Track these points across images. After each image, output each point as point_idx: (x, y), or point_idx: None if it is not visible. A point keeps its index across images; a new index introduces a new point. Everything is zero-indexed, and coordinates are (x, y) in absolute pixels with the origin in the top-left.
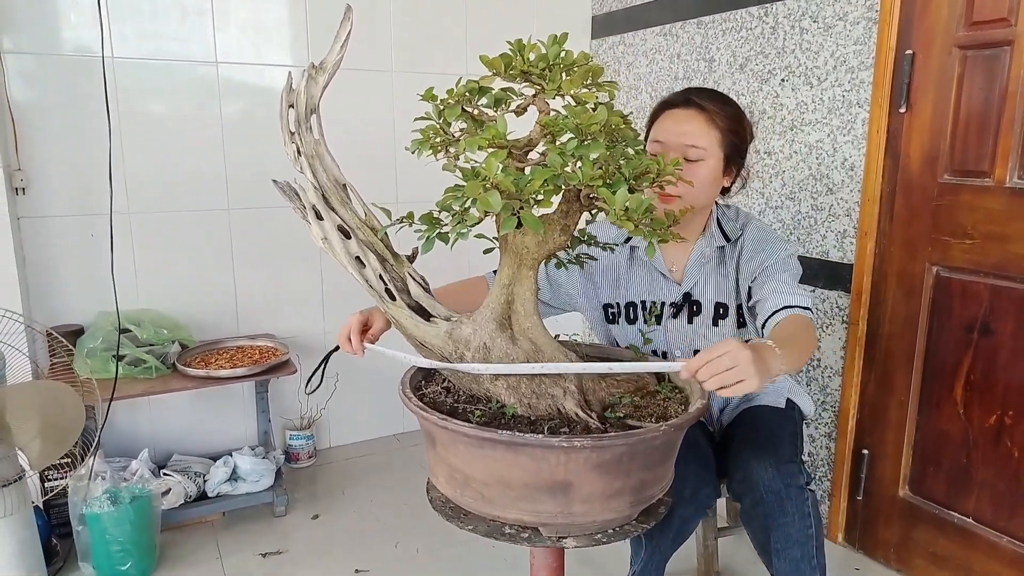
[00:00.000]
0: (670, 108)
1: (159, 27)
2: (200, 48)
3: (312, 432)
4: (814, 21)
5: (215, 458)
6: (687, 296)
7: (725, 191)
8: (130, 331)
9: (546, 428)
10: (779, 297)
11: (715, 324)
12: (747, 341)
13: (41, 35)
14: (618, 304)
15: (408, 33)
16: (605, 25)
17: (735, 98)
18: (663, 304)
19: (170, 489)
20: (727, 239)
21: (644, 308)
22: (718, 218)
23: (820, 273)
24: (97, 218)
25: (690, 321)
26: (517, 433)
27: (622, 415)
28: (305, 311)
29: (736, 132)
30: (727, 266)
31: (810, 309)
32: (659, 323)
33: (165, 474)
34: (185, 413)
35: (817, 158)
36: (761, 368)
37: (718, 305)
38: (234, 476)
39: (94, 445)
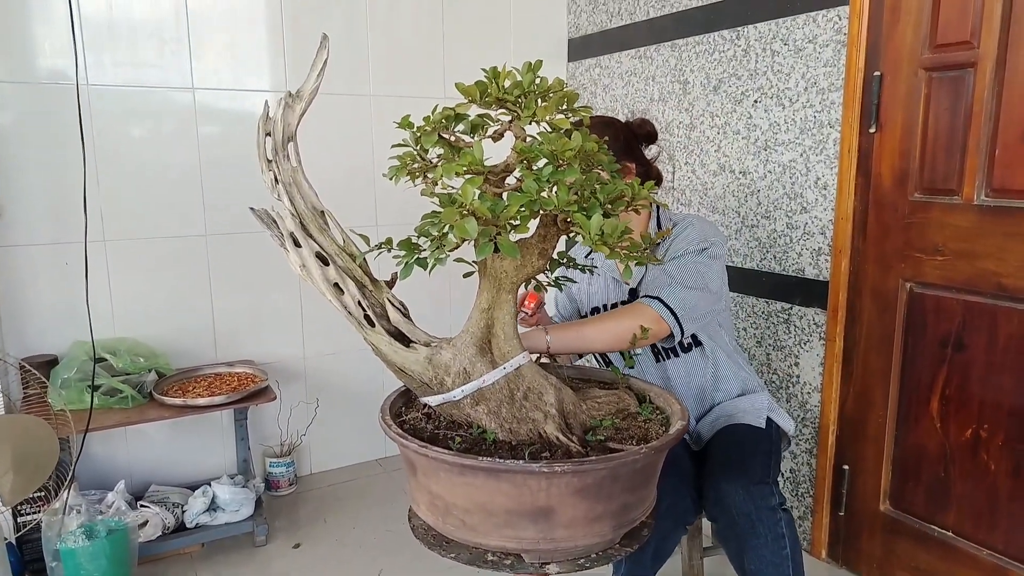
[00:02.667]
0: None
1: (136, 54)
2: (177, 75)
3: (292, 459)
4: (784, 44)
5: (193, 488)
6: (633, 292)
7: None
8: (106, 360)
9: (527, 453)
10: (648, 284)
11: None
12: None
13: (17, 63)
14: (588, 313)
15: (387, 58)
16: (581, 48)
17: (709, 118)
18: (618, 304)
19: (147, 521)
20: (664, 238)
21: (605, 311)
22: (658, 219)
23: (796, 291)
24: (72, 246)
25: None
26: (498, 459)
27: (603, 438)
28: (285, 336)
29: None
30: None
31: (659, 299)
32: (632, 367)
33: (142, 505)
34: (162, 443)
35: (791, 177)
36: None
37: None
38: (213, 506)
39: (69, 478)
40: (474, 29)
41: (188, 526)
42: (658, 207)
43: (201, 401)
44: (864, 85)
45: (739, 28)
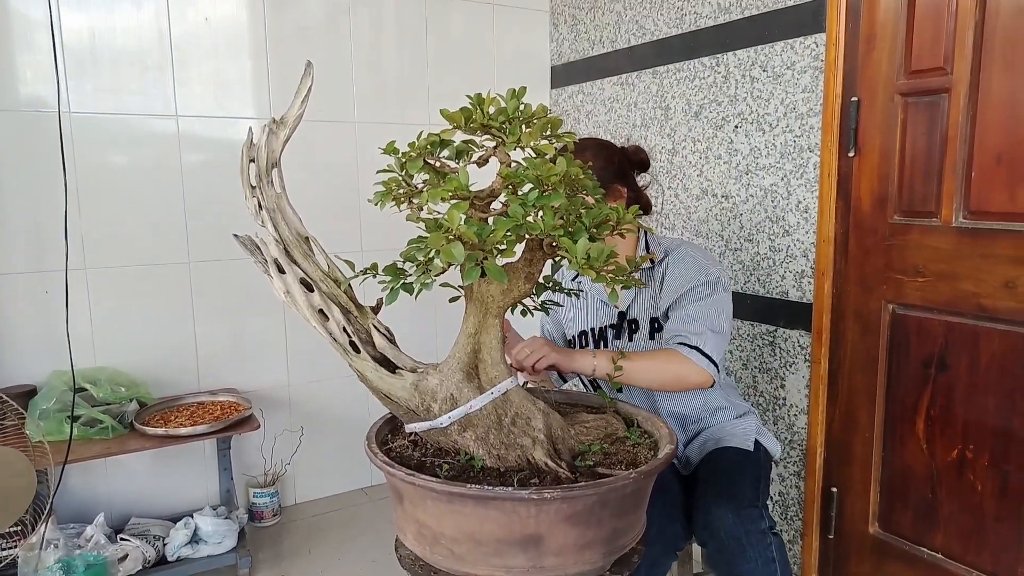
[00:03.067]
0: None
1: (119, 81)
2: (160, 102)
3: (276, 489)
4: (763, 70)
5: (175, 520)
6: (623, 315)
7: (642, 213)
8: (86, 390)
9: (515, 480)
10: (677, 329)
11: (651, 338)
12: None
13: None
14: (573, 337)
15: (371, 84)
16: (564, 75)
17: (691, 143)
18: (605, 327)
19: (127, 555)
20: (651, 261)
21: (593, 335)
22: (646, 243)
23: (781, 313)
24: (52, 274)
25: (630, 339)
26: (486, 487)
27: (592, 463)
28: (268, 364)
29: (597, 166)
30: (655, 285)
31: (697, 348)
32: (620, 391)
33: (122, 539)
34: (143, 474)
35: (772, 201)
36: (561, 352)
37: (653, 320)
38: (195, 538)
39: (46, 512)
40: (457, 57)
41: (169, 559)
42: (646, 232)
43: (183, 431)
44: (842, 110)
45: (719, 55)
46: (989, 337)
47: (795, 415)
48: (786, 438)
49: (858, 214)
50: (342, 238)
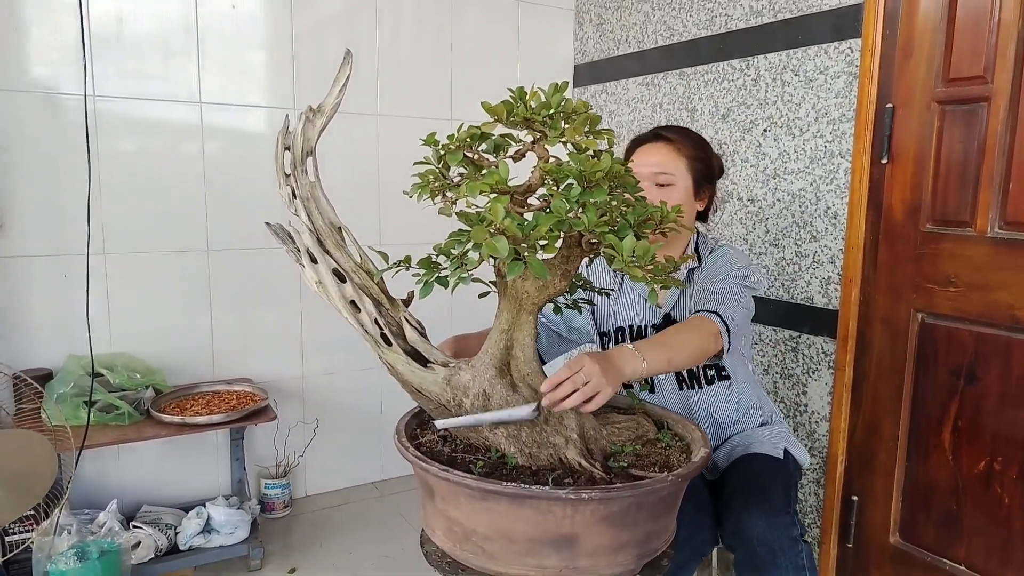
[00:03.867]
0: (641, 144)
1: (143, 66)
2: (184, 88)
3: (288, 480)
4: (795, 75)
5: (187, 509)
6: (667, 317)
7: (702, 217)
8: (102, 376)
9: (551, 479)
10: (699, 303)
11: None
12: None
13: (18, 72)
14: (610, 331)
15: (393, 78)
16: (587, 74)
17: (717, 146)
18: (647, 326)
19: (140, 542)
20: (699, 262)
21: (631, 333)
22: (697, 244)
23: (805, 319)
24: (71, 258)
25: None
26: (523, 485)
27: (626, 464)
28: (284, 355)
29: (701, 159)
30: (695, 285)
31: (717, 313)
32: (652, 391)
33: (135, 526)
34: (156, 461)
35: (800, 206)
36: (607, 367)
37: None
38: (207, 528)
39: (64, 497)
40: (479, 52)
41: (181, 548)
42: (698, 234)
43: (200, 419)
44: (876, 117)
45: (749, 58)
46: (1022, 349)
47: (816, 422)
48: (806, 445)
49: (889, 221)
50: (363, 231)
